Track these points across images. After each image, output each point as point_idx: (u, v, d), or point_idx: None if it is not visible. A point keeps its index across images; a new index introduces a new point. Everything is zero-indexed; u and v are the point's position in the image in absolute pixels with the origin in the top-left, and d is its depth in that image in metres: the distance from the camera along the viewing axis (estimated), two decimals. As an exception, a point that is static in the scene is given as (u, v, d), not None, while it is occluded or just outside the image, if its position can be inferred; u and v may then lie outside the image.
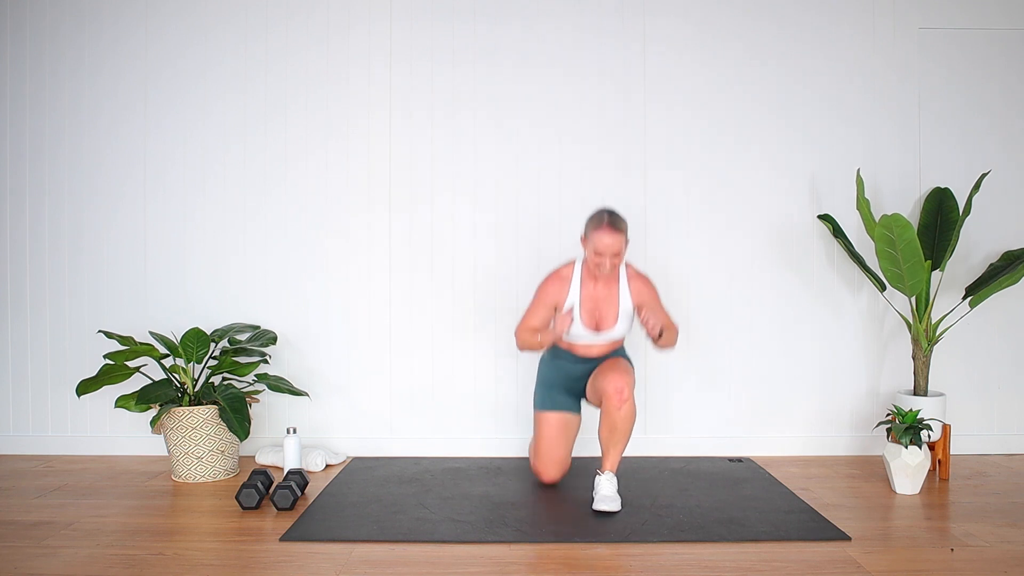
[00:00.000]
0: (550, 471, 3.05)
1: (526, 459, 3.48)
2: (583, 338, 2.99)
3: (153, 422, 3.09)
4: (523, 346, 3.02)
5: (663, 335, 2.87)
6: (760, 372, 3.63)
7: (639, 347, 3.58)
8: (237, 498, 2.82)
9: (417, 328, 3.63)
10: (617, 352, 3.11)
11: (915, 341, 3.35)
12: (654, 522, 2.66)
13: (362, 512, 2.77)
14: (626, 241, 2.86)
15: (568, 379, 3.08)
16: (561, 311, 2.94)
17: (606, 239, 2.80)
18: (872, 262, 3.48)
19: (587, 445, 3.58)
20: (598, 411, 2.99)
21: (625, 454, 3.53)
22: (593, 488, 2.86)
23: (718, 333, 3.62)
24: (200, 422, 3.18)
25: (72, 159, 3.64)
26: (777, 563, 2.32)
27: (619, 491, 2.91)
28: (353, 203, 3.62)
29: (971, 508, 2.84)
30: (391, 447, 3.61)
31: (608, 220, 2.83)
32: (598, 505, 2.75)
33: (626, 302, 2.96)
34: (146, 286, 3.64)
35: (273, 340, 3.46)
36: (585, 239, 2.90)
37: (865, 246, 3.55)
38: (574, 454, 3.53)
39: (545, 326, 2.96)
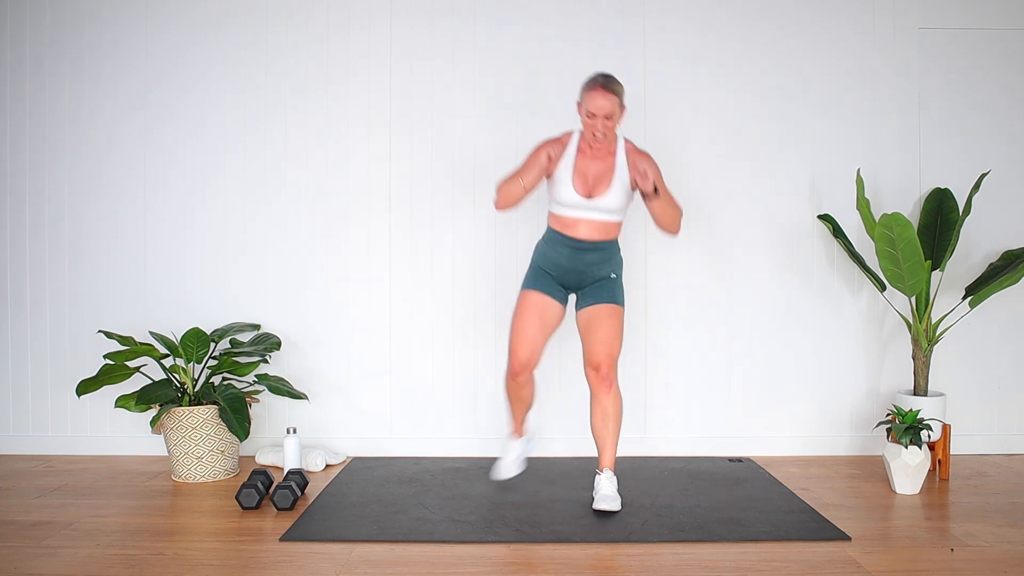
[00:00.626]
0: (521, 350, 2.85)
1: (527, 459, 3.48)
2: (574, 208, 2.83)
3: (153, 422, 3.09)
4: (503, 198, 2.84)
5: (659, 193, 2.76)
6: (760, 372, 3.63)
7: (639, 349, 3.58)
8: (237, 498, 2.82)
9: (417, 328, 3.63)
10: (609, 252, 2.91)
11: (915, 341, 3.35)
12: (654, 522, 2.66)
13: (362, 512, 2.77)
14: (621, 105, 2.77)
15: (558, 269, 2.90)
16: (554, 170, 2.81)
17: (598, 99, 2.70)
18: (872, 262, 3.48)
19: (585, 445, 3.58)
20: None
21: (625, 454, 3.53)
22: (593, 488, 2.86)
23: (718, 333, 3.62)
24: (200, 422, 3.18)
25: (72, 159, 3.64)
26: (777, 563, 2.32)
27: (619, 491, 2.90)
28: (353, 203, 3.62)
29: (971, 508, 2.84)
30: (391, 447, 3.61)
31: (602, 81, 2.74)
32: (599, 505, 2.75)
33: (622, 173, 2.82)
34: (146, 286, 3.64)
35: (277, 346, 3.45)
36: (580, 104, 2.80)
37: (865, 246, 3.55)
38: (573, 453, 3.54)
39: (532, 182, 2.80)
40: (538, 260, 2.96)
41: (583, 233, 2.85)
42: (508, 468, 3.09)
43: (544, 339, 2.92)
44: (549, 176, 2.86)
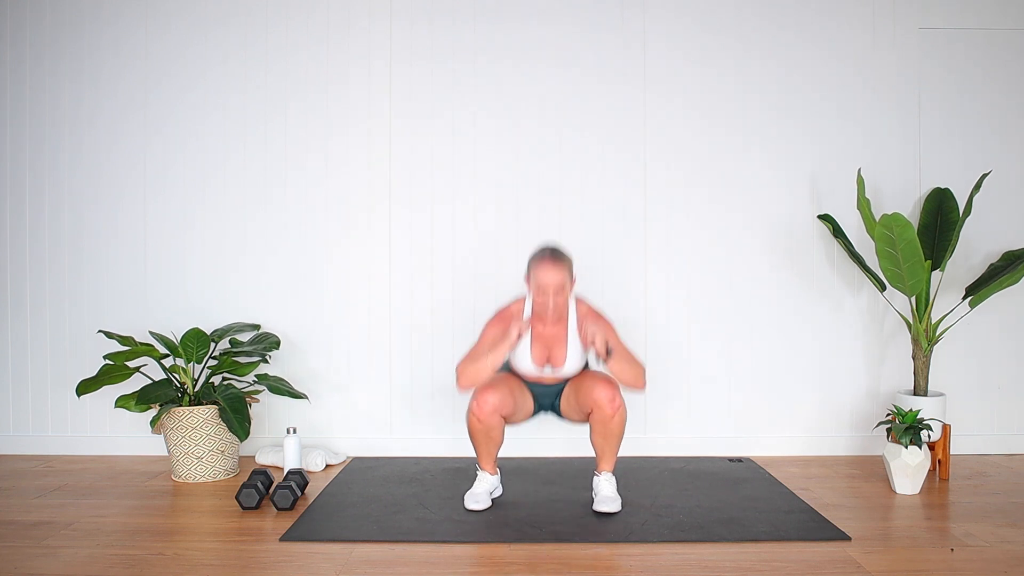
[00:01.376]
0: (490, 395, 2.69)
1: (526, 459, 3.49)
2: (536, 376, 2.86)
3: (153, 422, 3.09)
4: (466, 379, 2.70)
5: (612, 357, 2.67)
6: (760, 372, 3.63)
7: (639, 349, 3.58)
8: (237, 498, 2.82)
9: (417, 328, 3.63)
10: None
11: (915, 341, 3.35)
12: (654, 522, 2.66)
13: (362, 512, 2.77)
14: (571, 279, 2.74)
15: (530, 385, 2.90)
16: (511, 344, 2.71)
17: (548, 274, 2.66)
18: (872, 262, 3.48)
19: (585, 445, 3.58)
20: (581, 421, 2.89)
21: (625, 454, 3.53)
22: (593, 489, 2.86)
23: (718, 333, 3.62)
24: (200, 422, 3.18)
25: (72, 159, 3.64)
26: (777, 563, 2.32)
27: (619, 491, 2.90)
28: (353, 203, 3.62)
29: (971, 508, 2.84)
30: (391, 447, 3.61)
31: (549, 254, 2.71)
32: (598, 506, 2.75)
33: (575, 339, 2.80)
34: (146, 286, 3.64)
35: (276, 345, 3.45)
36: (528, 277, 2.76)
37: (865, 246, 3.55)
38: (574, 454, 3.53)
39: (498, 344, 2.71)
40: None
41: (546, 383, 2.89)
42: (482, 498, 2.81)
43: (512, 401, 2.77)
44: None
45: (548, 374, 2.84)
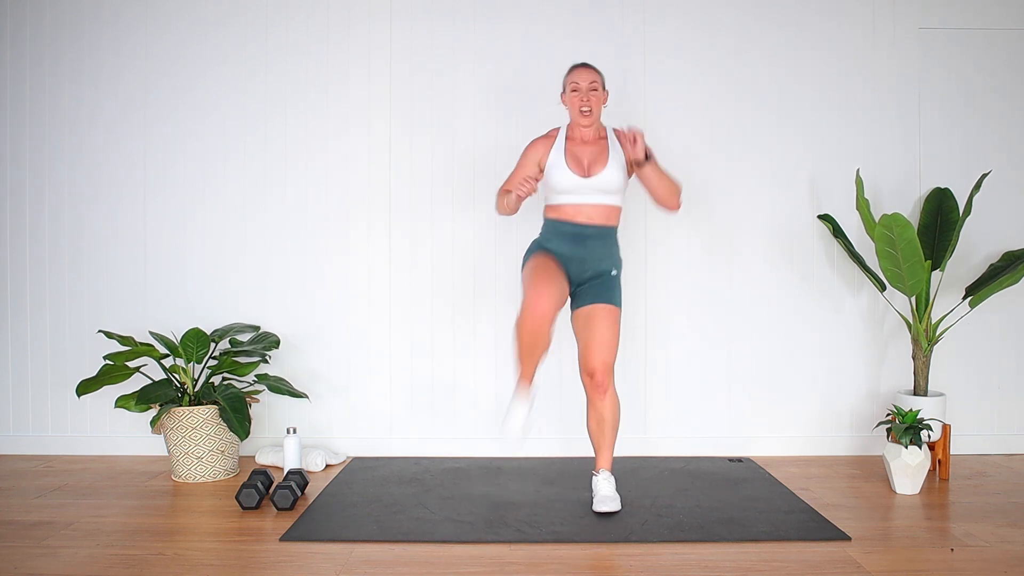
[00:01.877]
0: (539, 301, 2.64)
1: (526, 459, 3.48)
2: (572, 192, 2.79)
3: (153, 422, 3.09)
4: (500, 209, 2.92)
5: (650, 159, 2.73)
6: (760, 372, 3.63)
7: (639, 349, 3.58)
8: (237, 498, 2.82)
9: (417, 328, 3.63)
10: (610, 240, 2.86)
11: (915, 341, 3.35)
12: (654, 522, 2.66)
13: (362, 512, 2.77)
14: (604, 87, 2.88)
15: (560, 258, 2.83)
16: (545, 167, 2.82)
17: (581, 72, 2.82)
18: (872, 262, 3.48)
19: (585, 445, 3.58)
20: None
21: (625, 454, 3.54)
22: (592, 489, 2.86)
23: (718, 332, 3.62)
24: (200, 422, 3.18)
25: (72, 159, 3.64)
26: (777, 563, 2.32)
27: (618, 491, 2.90)
28: (353, 202, 3.63)
29: (971, 508, 2.84)
30: (391, 447, 3.61)
31: (580, 62, 2.89)
32: (598, 506, 2.74)
33: (616, 151, 2.83)
34: (146, 286, 3.64)
35: (276, 344, 3.45)
36: (563, 94, 2.91)
37: (865, 246, 3.55)
38: (571, 454, 3.53)
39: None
40: (535, 250, 2.91)
41: (584, 217, 2.81)
42: (519, 431, 2.73)
43: (560, 297, 2.75)
44: (542, 171, 2.86)
45: (588, 194, 2.79)
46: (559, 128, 2.95)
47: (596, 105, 2.84)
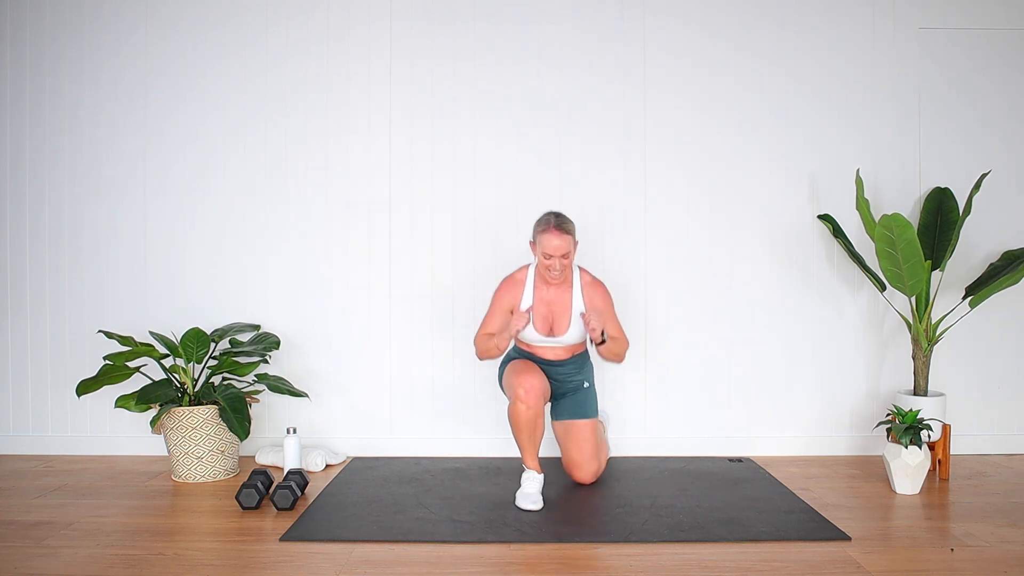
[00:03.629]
0: (527, 378, 2.84)
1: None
2: (539, 342, 3.04)
3: (153, 422, 3.09)
4: (482, 353, 3.02)
5: (606, 342, 2.91)
6: (760, 372, 3.63)
7: (639, 349, 3.58)
8: (237, 498, 2.82)
9: (417, 328, 3.63)
10: (580, 363, 3.12)
11: (915, 341, 3.35)
12: (654, 522, 2.66)
13: (362, 512, 2.77)
14: (575, 242, 2.91)
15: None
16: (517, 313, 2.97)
17: (554, 241, 2.84)
18: (872, 262, 3.48)
19: (587, 445, 3.57)
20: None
21: (626, 454, 3.55)
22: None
23: (718, 332, 3.62)
24: (200, 422, 3.18)
25: (72, 159, 3.64)
26: (777, 563, 2.32)
27: (617, 491, 2.90)
28: (353, 203, 3.63)
29: (971, 508, 2.84)
30: (391, 447, 3.61)
31: (555, 222, 2.86)
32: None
33: (579, 307, 2.99)
34: (146, 286, 3.64)
35: (276, 344, 3.45)
36: (534, 243, 2.94)
37: (865, 246, 3.55)
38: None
39: (502, 331, 2.95)
40: (514, 358, 3.13)
41: (551, 356, 3.07)
42: (536, 498, 2.82)
43: (546, 384, 2.96)
44: (512, 312, 3.00)
45: (551, 343, 3.02)
46: (526, 270, 3.04)
47: (567, 270, 2.94)
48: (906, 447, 2.96)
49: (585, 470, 3.04)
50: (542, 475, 2.91)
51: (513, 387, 2.87)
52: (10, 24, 3.63)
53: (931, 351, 3.34)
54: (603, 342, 2.89)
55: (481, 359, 3.07)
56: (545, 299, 3.00)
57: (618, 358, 3.06)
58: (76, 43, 3.63)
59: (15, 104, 3.64)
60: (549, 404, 3.12)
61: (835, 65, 3.61)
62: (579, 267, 3.08)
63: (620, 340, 3.03)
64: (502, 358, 3.19)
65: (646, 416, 3.61)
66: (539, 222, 2.93)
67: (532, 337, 3.02)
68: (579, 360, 3.13)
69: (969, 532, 2.58)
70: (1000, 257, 3.47)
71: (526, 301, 2.99)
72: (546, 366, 3.08)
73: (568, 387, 3.10)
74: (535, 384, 2.85)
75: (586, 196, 3.59)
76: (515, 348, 3.16)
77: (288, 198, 3.63)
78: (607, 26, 3.60)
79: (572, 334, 3.01)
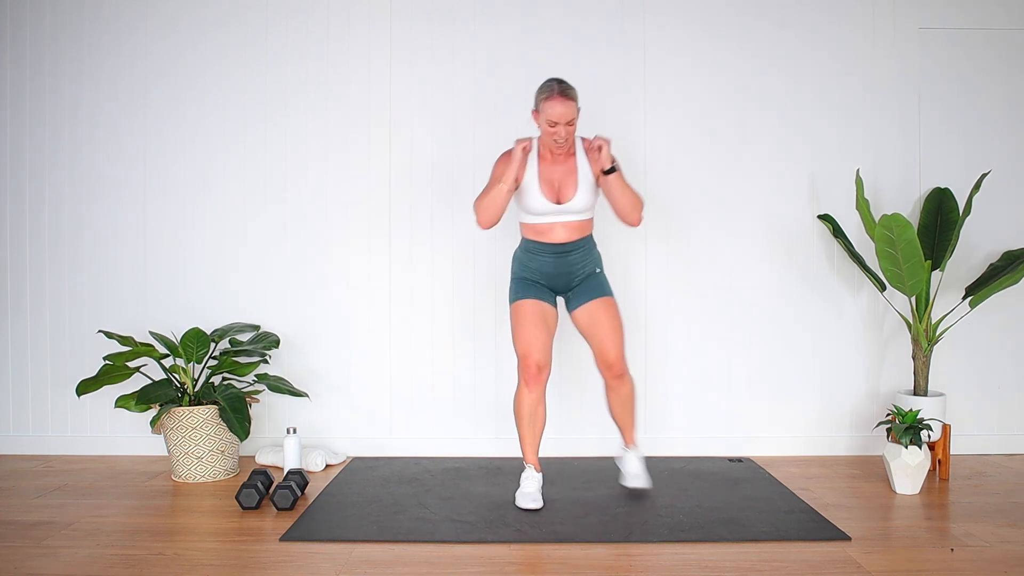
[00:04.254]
0: (533, 353, 2.82)
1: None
2: (546, 215, 2.88)
3: (153, 422, 3.09)
4: (486, 209, 2.83)
5: (616, 171, 2.79)
6: (760, 372, 3.63)
7: (639, 349, 3.58)
8: (237, 498, 2.82)
9: (417, 328, 3.63)
10: (588, 247, 2.97)
11: (915, 341, 3.35)
12: (654, 522, 2.66)
13: (362, 512, 2.77)
14: (578, 109, 2.79)
15: (544, 276, 2.94)
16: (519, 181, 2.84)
17: (559, 108, 2.72)
18: (872, 262, 3.48)
19: (584, 445, 3.58)
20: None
21: (625, 454, 3.54)
22: (620, 465, 3.03)
23: (718, 332, 3.62)
24: (200, 422, 3.18)
25: (72, 160, 3.64)
26: (777, 563, 2.32)
27: (617, 491, 2.91)
28: (353, 202, 3.62)
29: (971, 508, 2.84)
30: (391, 447, 3.61)
31: (558, 88, 2.75)
32: (632, 482, 2.87)
33: (585, 170, 2.86)
34: (146, 286, 3.64)
35: (276, 344, 3.45)
36: (536, 112, 2.81)
37: (865, 246, 3.55)
38: (572, 454, 3.53)
39: (512, 181, 2.81)
40: (520, 271, 3.00)
41: (560, 236, 2.91)
42: (537, 496, 2.83)
43: (550, 341, 2.92)
44: (517, 185, 2.87)
45: (560, 215, 2.87)
46: (530, 141, 2.91)
47: (571, 137, 2.83)
48: (906, 447, 2.96)
49: (614, 348, 2.89)
50: (540, 474, 2.90)
51: (522, 357, 2.85)
52: (10, 24, 3.63)
53: (931, 351, 3.34)
54: (612, 170, 2.78)
55: (483, 222, 2.86)
56: (549, 169, 2.87)
57: (630, 207, 2.86)
58: (76, 43, 3.63)
59: (15, 104, 3.64)
60: (563, 299, 3.01)
61: (835, 65, 3.61)
62: (580, 137, 2.93)
63: (629, 186, 2.86)
64: (512, 268, 3.02)
65: (646, 416, 3.60)
66: (542, 88, 2.80)
67: (539, 207, 2.85)
68: (587, 244, 2.97)
69: (969, 532, 2.58)
70: (1000, 257, 3.47)
71: (530, 175, 2.85)
72: (556, 256, 2.91)
73: (580, 275, 2.96)
74: (544, 359, 2.83)
75: (586, 196, 3.59)
76: (522, 245, 3.00)
77: (288, 198, 3.63)
78: (607, 27, 3.60)
79: (580, 199, 2.85)
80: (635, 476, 2.96)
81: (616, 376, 2.92)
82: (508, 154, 2.90)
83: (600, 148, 2.77)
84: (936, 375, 3.58)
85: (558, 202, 2.87)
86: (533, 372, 2.83)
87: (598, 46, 3.60)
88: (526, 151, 2.81)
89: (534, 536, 2.53)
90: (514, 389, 2.93)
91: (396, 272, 3.63)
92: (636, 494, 2.95)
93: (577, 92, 2.82)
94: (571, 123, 2.77)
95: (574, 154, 2.90)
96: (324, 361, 3.63)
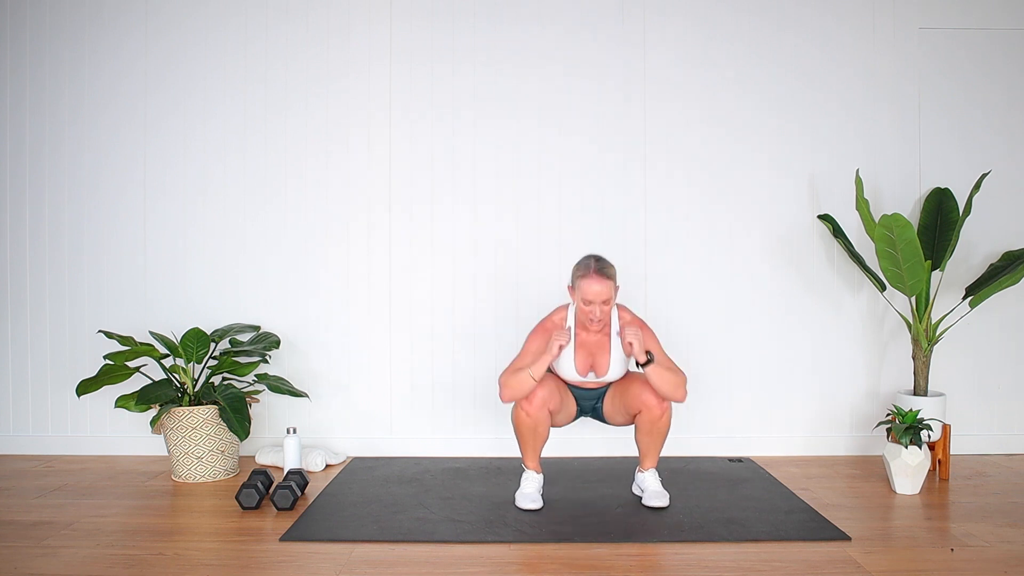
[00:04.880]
0: (540, 390, 2.73)
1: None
2: (578, 383, 2.91)
3: (153, 422, 3.09)
4: (512, 387, 2.71)
5: (653, 363, 2.69)
6: (760, 372, 3.63)
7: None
8: (237, 498, 2.82)
9: (417, 328, 3.63)
10: None
11: (915, 341, 3.35)
12: (654, 522, 2.66)
13: (362, 512, 2.77)
14: (616, 287, 2.76)
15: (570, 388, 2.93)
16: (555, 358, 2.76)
17: (595, 287, 2.68)
18: (872, 262, 3.48)
19: (583, 445, 3.58)
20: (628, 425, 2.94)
21: (625, 454, 3.55)
22: (638, 486, 2.92)
23: (717, 332, 3.62)
24: (200, 422, 3.18)
25: (72, 159, 3.64)
26: (777, 563, 2.32)
27: (617, 491, 2.91)
28: (353, 203, 3.63)
29: (971, 508, 2.84)
30: (391, 447, 3.61)
31: (595, 267, 2.72)
32: (649, 501, 2.80)
33: (618, 347, 2.84)
34: (146, 286, 3.64)
35: (276, 344, 3.45)
36: (572, 288, 2.79)
37: (865, 246, 3.55)
38: (572, 454, 3.54)
39: (538, 358, 2.74)
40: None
41: (590, 387, 2.93)
42: (536, 497, 2.82)
43: (560, 400, 2.83)
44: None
45: (592, 380, 2.89)
46: (564, 311, 2.89)
47: (606, 317, 2.76)
48: (906, 447, 2.96)
49: (654, 397, 2.75)
50: (541, 475, 2.90)
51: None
52: (10, 24, 3.63)
53: (931, 351, 3.34)
54: (649, 361, 2.69)
55: (506, 399, 2.74)
56: (584, 341, 2.85)
57: (674, 389, 2.72)
58: (76, 43, 3.63)
59: (15, 104, 3.64)
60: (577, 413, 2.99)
61: (835, 65, 3.61)
62: (619, 306, 2.90)
63: (670, 366, 2.75)
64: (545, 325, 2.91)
65: (646, 416, 3.60)
66: (578, 266, 2.77)
67: (573, 377, 2.86)
68: None
69: (969, 532, 2.58)
70: (1000, 257, 3.47)
71: (567, 348, 2.80)
72: (582, 392, 2.94)
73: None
74: (538, 393, 2.73)
75: (586, 196, 3.59)
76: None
77: (288, 198, 3.63)
78: (607, 26, 3.60)
79: (614, 371, 2.85)
80: (655, 494, 2.81)
81: (658, 417, 2.77)
82: (544, 324, 2.86)
83: (631, 344, 2.68)
84: (936, 375, 3.58)
85: (592, 374, 2.88)
86: (528, 397, 2.74)
87: (598, 46, 3.59)
88: (562, 348, 2.72)
89: (534, 536, 2.53)
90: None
91: (396, 272, 3.63)
92: (636, 495, 2.95)
93: (615, 270, 2.79)
94: (607, 302, 2.72)
95: (609, 326, 2.85)
96: (324, 361, 3.63)
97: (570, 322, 2.86)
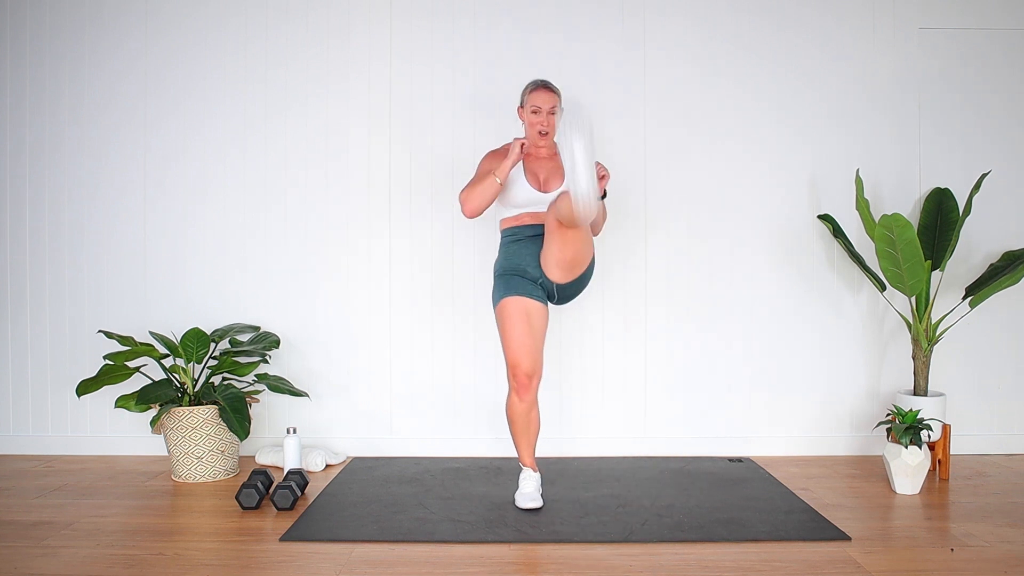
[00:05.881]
0: (523, 359, 2.76)
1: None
2: (530, 205, 2.86)
3: (153, 422, 3.09)
4: (474, 198, 2.80)
5: (604, 197, 2.79)
6: (760, 372, 3.63)
7: (639, 349, 3.59)
8: (237, 498, 2.82)
9: (417, 328, 3.63)
10: None
11: (915, 341, 3.35)
12: (654, 522, 2.66)
13: (362, 512, 2.77)
14: (561, 105, 2.87)
15: (529, 264, 2.84)
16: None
17: (542, 95, 2.85)
18: (872, 262, 3.48)
19: (583, 445, 3.58)
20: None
21: (625, 454, 3.54)
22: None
23: (718, 333, 3.62)
24: (200, 422, 3.18)
25: (72, 160, 3.64)
26: (777, 563, 2.32)
27: (617, 491, 2.90)
28: (353, 202, 3.63)
29: (971, 508, 2.84)
30: (391, 447, 3.61)
31: (542, 82, 2.90)
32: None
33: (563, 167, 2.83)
34: (146, 286, 3.64)
35: (276, 344, 3.45)
36: (521, 108, 2.94)
37: (865, 246, 3.55)
38: (572, 453, 3.53)
39: (506, 175, 2.79)
40: (504, 264, 2.90)
41: (542, 221, 2.85)
42: (536, 495, 2.83)
43: (540, 344, 2.83)
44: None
45: (542, 207, 2.83)
46: (526, 140, 2.90)
47: (553, 127, 2.90)
48: (906, 447, 2.96)
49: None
50: (538, 473, 2.90)
51: (511, 364, 2.78)
52: (10, 24, 3.63)
53: (931, 351, 3.34)
54: (604, 195, 2.79)
55: (470, 211, 2.82)
56: (534, 164, 2.92)
57: (601, 225, 2.98)
58: (76, 43, 3.63)
59: (15, 104, 3.64)
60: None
61: (835, 65, 3.61)
62: (556, 141, 2.85)
63: (604, 211, 2.98)
64: (495, 269, 2.95)
65: (646, 416, 3.61)
66: (526, 86, 2.94)
67: (525, 196, 2.84)
68: None
69: (969, 532, 2.58)
70: (1000, 257, 3.47)
71: (515, 168, 2.86)
72: (536, 238, 2.85)
73: None
74: (534, 365, 2.76)
75: (586, 196, 3.59)
76: (503, 241, 2.94)
77: (288, 198, 3.63)
78: (606, 27, 3.60)
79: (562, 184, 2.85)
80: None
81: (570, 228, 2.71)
82: (494, 152, 2.96)
83: (604, 177, 2.72)
84: (936, 375, 3.58)
85: (543, 190, 2.86)
86: (523, 381, 2.78)
87: (598, 46, 3.60)
88: (524, 147, 2.82)
89: (534, 536, 2.53)
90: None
91: (396, 272, 3.63)
92: (636, 495, 2.95)
93: (561, 93, 2.93)
94: (552, 112, 2.86)
95: (557, 154, 2.94)
96: (324, 361, 3.63)
97: (518, 151, 2.82)
